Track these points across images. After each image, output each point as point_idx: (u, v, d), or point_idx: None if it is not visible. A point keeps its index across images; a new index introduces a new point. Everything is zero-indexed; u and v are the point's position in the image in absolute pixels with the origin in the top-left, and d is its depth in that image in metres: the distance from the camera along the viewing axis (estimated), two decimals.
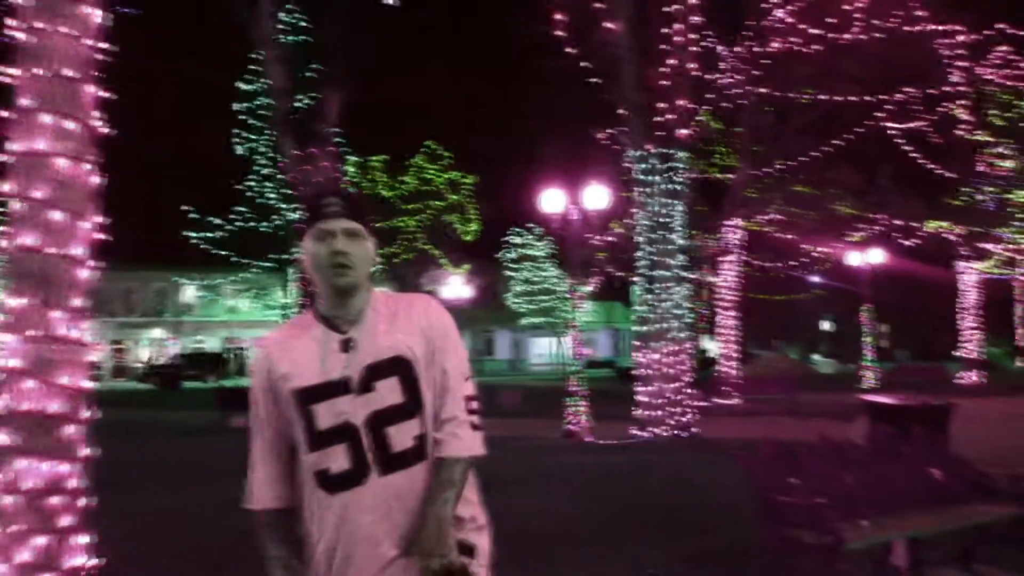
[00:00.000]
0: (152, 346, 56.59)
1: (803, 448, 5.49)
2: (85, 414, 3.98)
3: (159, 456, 14.05)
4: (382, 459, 2.12)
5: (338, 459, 2.11)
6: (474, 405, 2.22)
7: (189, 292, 55.63)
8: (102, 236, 3.96)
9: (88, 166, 3.87)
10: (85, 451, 4.00)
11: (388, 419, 2.14)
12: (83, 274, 3.88)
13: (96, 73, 3.95)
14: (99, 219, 3.95)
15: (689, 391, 14.82)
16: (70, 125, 3.76)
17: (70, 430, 3.89)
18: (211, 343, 56.41)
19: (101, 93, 3.98)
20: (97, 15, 3.97)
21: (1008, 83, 24.27)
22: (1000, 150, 27.66)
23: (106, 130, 3.97)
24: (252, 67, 25.57)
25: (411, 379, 2.16)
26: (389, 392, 2.14)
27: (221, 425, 18.15)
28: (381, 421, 2.13)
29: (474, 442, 2.18)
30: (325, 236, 2.16)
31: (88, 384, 3.95)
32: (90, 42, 3.91)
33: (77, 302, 3.86)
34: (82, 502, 3.99)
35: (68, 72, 3.78)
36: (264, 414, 2.22)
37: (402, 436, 2.13)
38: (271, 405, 2.21)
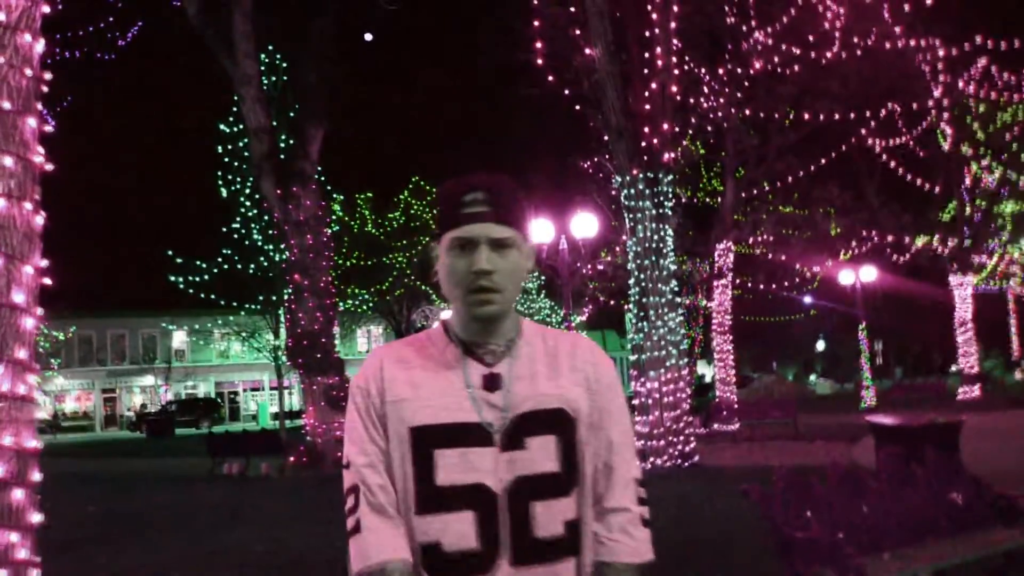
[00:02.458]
0: (143, 393, 56.08)
1: (815, 477, 5.17)
2: (34, 477, 3.64)
3: (147, 507, 13.60)
4: (520, 544, 1.58)
5: (459, 532, 1.56)
6: (643, 492, 1.74)
7: (179, 338, 55.28)
8: (46, 281, 3.64)
9: (29, 205, 3.56)
10: (35, 517, 3.65)
11: (536, 491, 1.60)
12: (27, 323, 3.55)
13: (38, 105, 3.67)
14: (43, 263, 3.63)
15: (689, 419, 14.51)
16: (8, 161, 3.46)
17: (17, 495, 3.54)
18: (203, 388, 55.96)
19: (44, 127, 3.69)
20: (38, 45, 3.70)
21: (990, 94, 24.33)
22: (984, 163, 27.68)
23: (49, 166, 3.68)
24: (233, 108, 25.51)
25: (572, 443, 1.64)
26: (542, 455, 1.61)
27: (212, 472, 17.80)
28: (527, 492, 1.59)
29: (647, 545, 1.70)
30: (463, 247, 1.61)
31: (35, 443, 3.61)
32: (30, 72, 3.63)
33: (21, 354, 3.53)
34: (33, 575, 3.63)
35: (5, 104, 3.49)
36: (376, 447, 1.64)
37: (551, 518, 1.60)
38: (380, 437, 1.64)
